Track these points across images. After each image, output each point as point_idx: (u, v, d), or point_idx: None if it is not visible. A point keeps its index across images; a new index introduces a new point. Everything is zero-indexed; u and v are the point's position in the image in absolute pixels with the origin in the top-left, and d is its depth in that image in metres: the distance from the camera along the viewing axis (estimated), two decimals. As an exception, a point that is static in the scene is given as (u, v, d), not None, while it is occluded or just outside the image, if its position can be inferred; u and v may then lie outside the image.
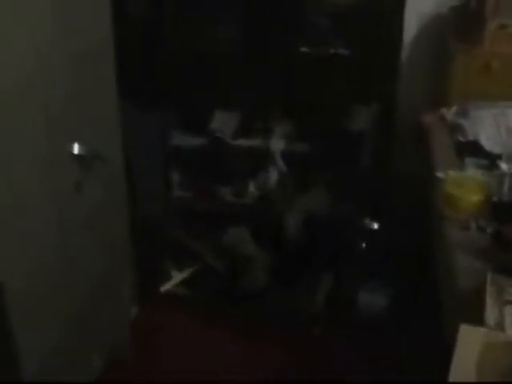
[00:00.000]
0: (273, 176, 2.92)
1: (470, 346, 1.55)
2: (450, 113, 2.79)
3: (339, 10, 2.53)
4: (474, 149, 2.57)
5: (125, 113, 2.40)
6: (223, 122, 2.89)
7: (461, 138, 2.64)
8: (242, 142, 2.91)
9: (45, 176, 1.90)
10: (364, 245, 2.70)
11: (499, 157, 2.50)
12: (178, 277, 3.07)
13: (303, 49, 2.59)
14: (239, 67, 2.76)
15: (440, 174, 2.43)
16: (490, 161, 2.49)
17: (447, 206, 2.27)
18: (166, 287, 3.05)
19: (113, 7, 2.21)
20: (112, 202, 2.35)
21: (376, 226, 2.69)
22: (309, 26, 2.60)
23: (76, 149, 1.94)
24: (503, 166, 2.45)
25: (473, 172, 2.46)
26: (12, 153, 1.72)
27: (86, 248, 2.22)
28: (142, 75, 2.79)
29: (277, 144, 2.88)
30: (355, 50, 2.61)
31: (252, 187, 2.98)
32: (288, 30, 2.63)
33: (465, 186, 2.31)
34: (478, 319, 1.72)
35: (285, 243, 2.94)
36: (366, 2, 2.58)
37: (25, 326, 1.87)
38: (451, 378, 1.46)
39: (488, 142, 2.58)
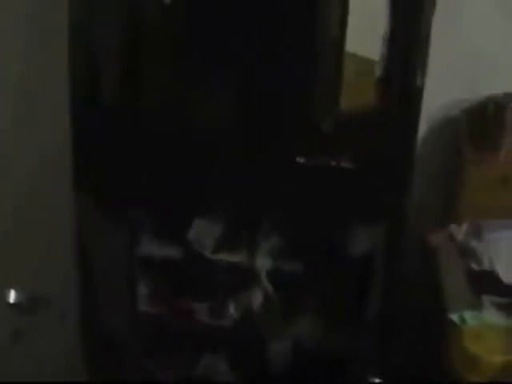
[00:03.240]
0: (257, 297, 2.56)
1: None
2: (460, 232, 2.49)
3: (343, 119, 2.20)
4: (490, 281, 2.26)
5: (85, 213, 2.16)
6: (203, 232, 2.52)
7: (474, 266, 2.34)
8: (224, 257, 2.54)
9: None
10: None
11: (521, 293, 2.19)
12: (139, 413, 2.67)
13: (300, 159, 2.25)
14: (225, 170, 2.41)
15: (454, 317, 2.09)
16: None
17: (464, 366, 1.91)
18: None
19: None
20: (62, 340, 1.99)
21: (378, 381, 2.32)
22: (308, 133, 2.27)
23: (12, 297, 1.56)
24: (527, 306, 2.14)
25: (492, 315, 2.12)
26: None
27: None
28: (106, 169, 2.43)
29: (263, 261, 2.53)
30: (359, 162, 2.28)
31: (232, 308, 2.61)
32: (285, 137, 2.30)
33: (485, 339, 1.96)
34: None
35: (267, 374, 2.57)
36: (373, 109, 2.25)
37: None
38: None
39: (506, 273, 2.28)
